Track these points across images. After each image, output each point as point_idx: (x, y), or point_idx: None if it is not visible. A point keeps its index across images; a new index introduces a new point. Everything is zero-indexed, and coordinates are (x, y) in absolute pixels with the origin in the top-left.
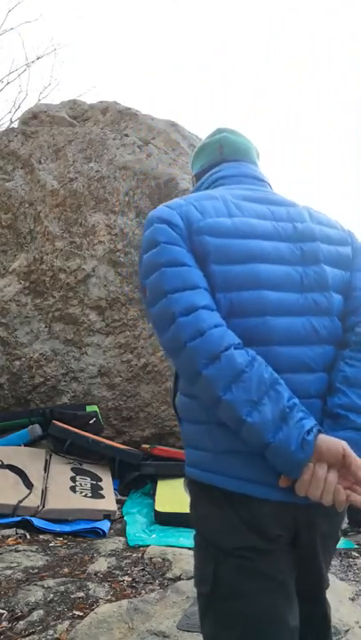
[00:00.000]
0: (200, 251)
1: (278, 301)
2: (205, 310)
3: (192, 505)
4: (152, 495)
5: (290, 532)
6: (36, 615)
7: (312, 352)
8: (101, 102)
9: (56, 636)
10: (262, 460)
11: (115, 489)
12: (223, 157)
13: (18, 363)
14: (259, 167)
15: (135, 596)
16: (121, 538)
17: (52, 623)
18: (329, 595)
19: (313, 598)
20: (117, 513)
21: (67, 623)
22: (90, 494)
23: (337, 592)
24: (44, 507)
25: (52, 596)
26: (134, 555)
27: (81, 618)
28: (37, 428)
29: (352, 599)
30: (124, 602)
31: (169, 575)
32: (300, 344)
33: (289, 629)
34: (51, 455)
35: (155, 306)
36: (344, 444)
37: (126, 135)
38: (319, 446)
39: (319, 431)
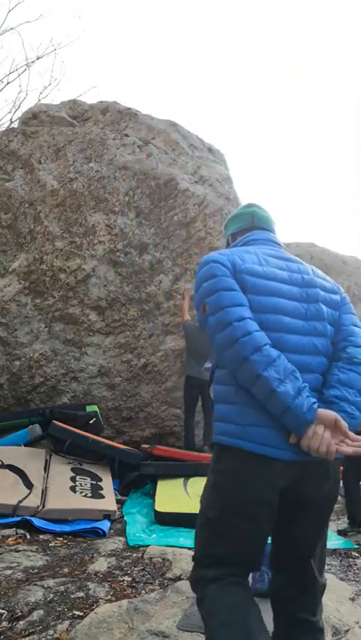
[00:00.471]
0: (241, 285)
1: (290, 324)
2: (250, 320)
3: (215, 461)
4: (152, 495)
5: (293, 484)
6: (36, 615)
7: (312, 360)
8: (101, 102)
9: (56, 635)
10: (277, 432)
11: (115, 489)
12: (253, 224)
13: (18, 363)
14: (276, 234)
15: (135, 596)
16: (121, 538)
17: (52, 623)
18: (329, 595)
19: (295, 564)
20: (117, 513)
21: (67, 623)
22: (90, 494)
23: (337, 592)
24: (44, 507)
25: (52, 595)
26: (134, 555)
27: (81, 618)
28: (37, 428)
29: (352, 599)
30: (124, 602)
31: (169, 575)
32: (305, 354)
33: (261, 542)
34: (51, 455)
35: (214, 316)
36: (335, 413)
37: (126, 135)
38: (319, 413)
39: (318, 405)
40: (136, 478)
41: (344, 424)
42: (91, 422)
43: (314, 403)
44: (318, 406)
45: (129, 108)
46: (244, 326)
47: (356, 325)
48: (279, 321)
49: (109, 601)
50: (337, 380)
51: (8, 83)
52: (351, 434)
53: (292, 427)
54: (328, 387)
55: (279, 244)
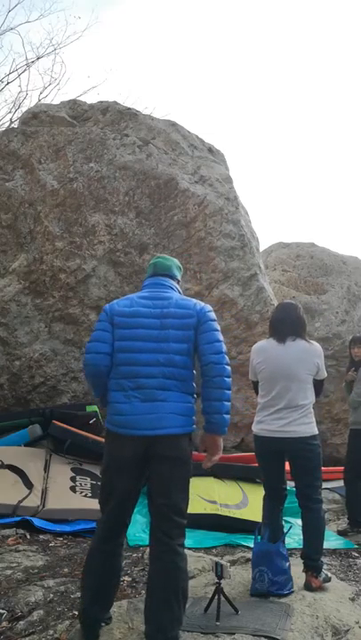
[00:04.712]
0: (114, 323)
1: (141, 346)
2: (99, 344)
3: (104, 437)
4: None
5: (141, 449)
6: (36, 615)
7: (154, 369)
8: (101, 102)
9: (56, 636)
10: (119, 417)
11: None
12: (154, 272)
13: (18, 363)
14: (173, 278)
15: (135, 596)
16: None
17: (52, 623)
18: (329, 595)
19: (166, 517)
20: None
21: (67, 623)
22: (90, 494)
23: (337, 592)
24: (44, 507)
25: (52, 595)
26: (134, 555)
27: None
28: (37, 428)
29: (352, 599)
30: (124, 602)
31: None
32: (150, 366)
33: (129, 504)
34: (51, 455)
35: (90, 342)
36: None
37: (126, 135)
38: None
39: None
40: None
41: None
42: (91, 422)
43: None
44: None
45: (129, 108)
46: (91, 353)
47: (207, 343)
48: (133, 345)
49: None
50: (204, 397)
51: (8, 83)
52: None
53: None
54: (207, 403)
55: (164, 285)
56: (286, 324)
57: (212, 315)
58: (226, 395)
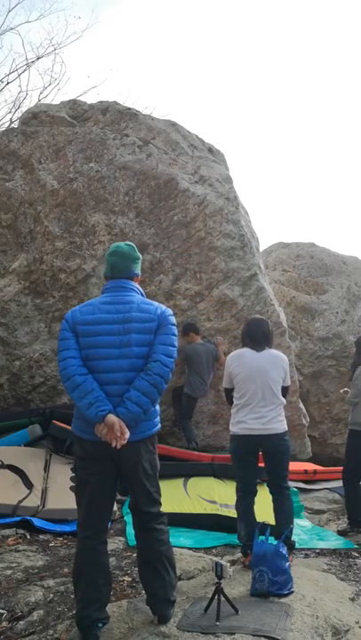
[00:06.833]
0: (77, 331)
1: (105, 353)
2: (70, 358)
3: (73, 443)
4: None
5: (110, 456)
6: (36, 615)
7: (119, 375)
8: (101, 102)
9: (56, 635)
10: (83, 422)
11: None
12: (113, 275)
13: (18, 363)
14: (133, 277)
15: (135, 596)
16: (121, 538)
17: (52, 623)
18: (329, 595)
19: (140, 510)
20: (117, 513)
21: (67, 623)
22: None
23: (337, 592)
24: (44, 507)
25: (52, 595)
26: (134, 555)
27: None
28: (37, 428)
29: (352, 599)
30: (124, 602)
31: None
32: (114, 372)
33: (103, 501)
34: (51, 455)
35: (58, 354)
36: (115, 419)
37: (126, 135)
38: (107, 417)
39: (110, 412)
40: None
41: (117, 426)
42: None
43: (102, 411)
44: (109, 412)
45: (129, 108)
46: (64, 364)
47: (162, 344)
48: (97, 352)
49: (109, 601)
50: (133, 385)
51: (8, 83)
52: (122, 429)
53: (90, 424)
54: (129, 389)
55: (125, 288)
56: (260, 336)
57: (173, 319)
58: (155, 395)
